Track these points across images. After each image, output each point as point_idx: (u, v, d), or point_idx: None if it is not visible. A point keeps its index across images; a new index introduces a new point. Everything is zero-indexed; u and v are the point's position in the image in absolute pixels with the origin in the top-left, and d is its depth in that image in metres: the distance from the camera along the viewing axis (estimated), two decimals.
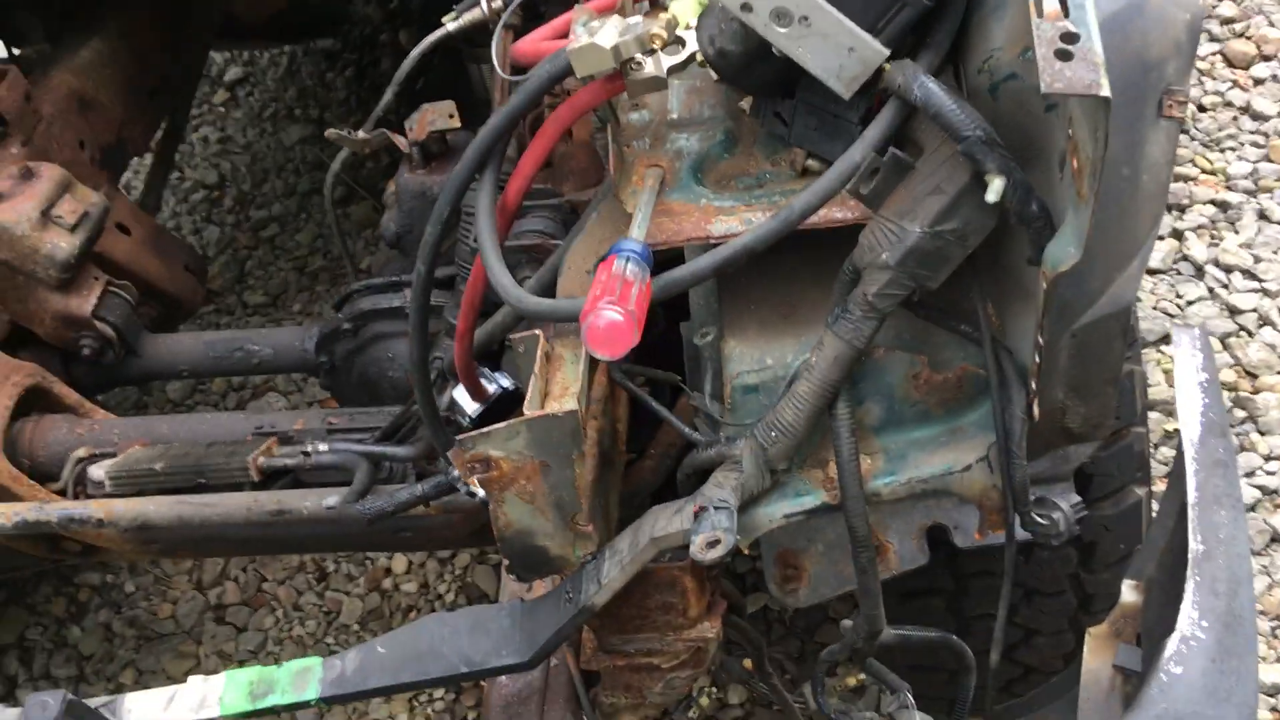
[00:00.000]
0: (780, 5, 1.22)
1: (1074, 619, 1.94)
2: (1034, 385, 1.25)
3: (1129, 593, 1.53)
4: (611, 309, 1.08)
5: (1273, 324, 3.09)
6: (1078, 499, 1.35)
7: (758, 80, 1.35)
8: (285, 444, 2.10)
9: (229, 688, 1.38)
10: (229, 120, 4.27)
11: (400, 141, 2.17)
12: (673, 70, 1.35)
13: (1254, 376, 3.01)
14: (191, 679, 1.41)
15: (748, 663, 1.75)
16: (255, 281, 3.70)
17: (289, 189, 3.97)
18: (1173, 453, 2.74)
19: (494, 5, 2.03)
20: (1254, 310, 3.13)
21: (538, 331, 1.33)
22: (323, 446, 2.04)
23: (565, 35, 1.51)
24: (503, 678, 1.48)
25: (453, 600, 2.87)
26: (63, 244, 2.28)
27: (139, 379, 2.54)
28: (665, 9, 1.45)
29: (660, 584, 1.38)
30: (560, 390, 1.29)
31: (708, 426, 1.46)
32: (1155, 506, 1.96)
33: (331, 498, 1.97)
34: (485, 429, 1.25)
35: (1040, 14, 1.05)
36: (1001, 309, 1.32)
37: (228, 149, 4.16)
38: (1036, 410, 1.26)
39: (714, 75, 1.40)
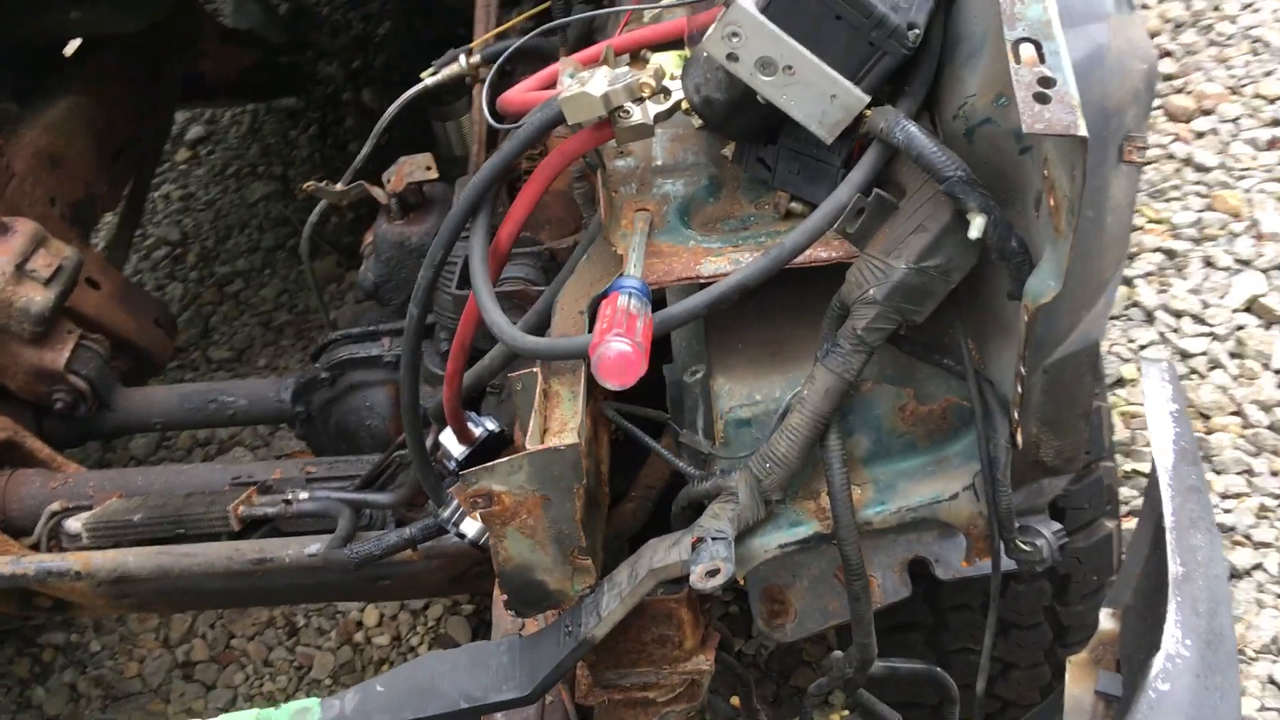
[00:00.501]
0: (765, 55, 1.28)
1: (1050, 651, 1.99)
2: (1016, 415, 1.30)
3: (1107, 621, 1.57)
4: (620, 340, 1.11)
5: (1223, 366, 3.18)
6: (1059, 526, 1.39)
7: (741, 127, 1.40)
8: (264, 493, 2.11)
9: None
10: (191, 178, 4.29)
11: (378, 193, 2.21)
12: (659, 118, 1.40)
13: (1207, 418, 3.10)
14: None
15: (735, 700, 1.77)
16: (220, 337, 3.70)
17: (253, 245, 3.98)
18: (1132, 493, 2.82)
19: (472, 61, 2.08)
20: (1204, 354, 3.23)
21: (536, 370, 1.36)
22: (303, 494, 2.06)
23: (551, 86, 1.57)
24: (498, 716, 1.49)
25: (426, 652, 2.86)
26: (37, 297, 2.28)
27: (112, 432, 2.53)
28: (647, 61, 1.51)
29: (657, 616, 1.41)
30: (559, 426, 1.32)
31: (694, 463, 1.49)
32: (1126, 542, 2.02)
33: (313, 545, 1.98)
34: (488, 464, 1.27)
35: (1018, 60, 1.11)
36: (981, 344, 1.37)
37: (190, 206, 4.17)
38: (1020, 438, 1.30)
39: (696, 123, 1.45)
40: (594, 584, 1.37)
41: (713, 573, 1.24)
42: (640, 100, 1.38)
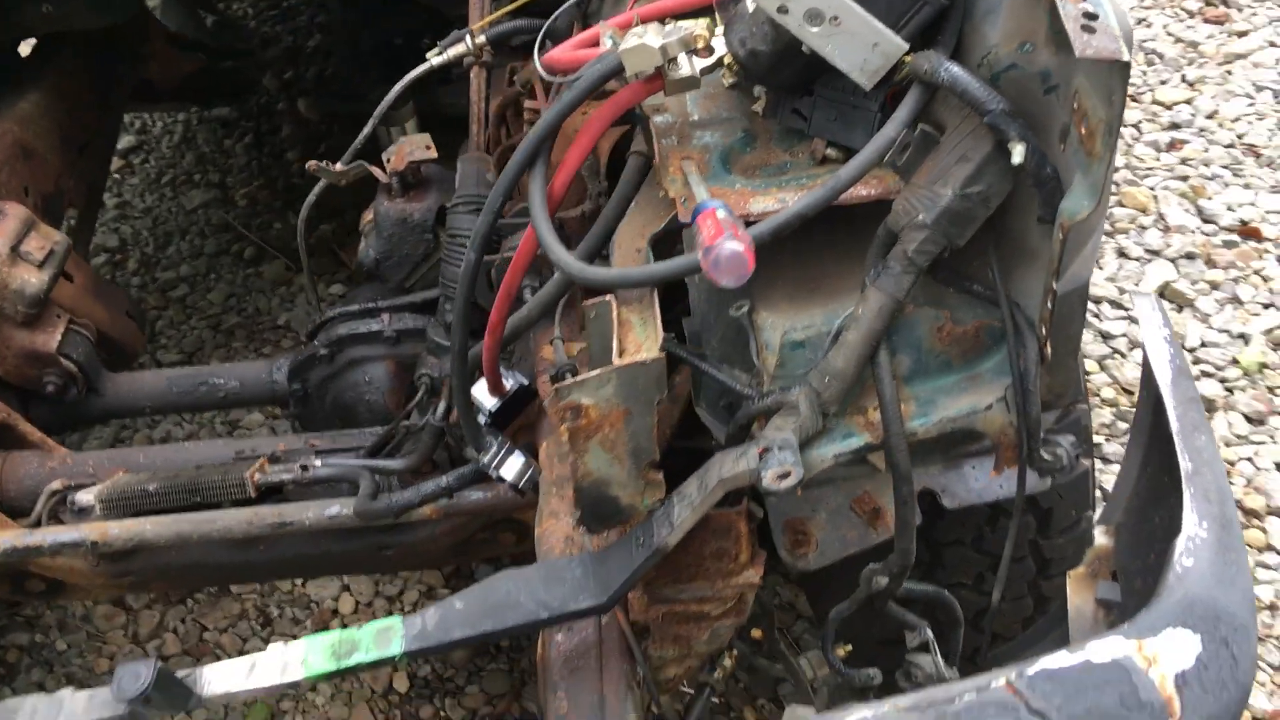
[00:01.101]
0: (813, 7, 1.40)
1: (1033, 584, 2.13)
2: (1044, 331, 1.44)
3: (1101, 537, 1.73)
4: (732, 241, 1.22)
5: (1142, 346, 3.41)
6: (1073, 437, 1.53)
7: (783, 79, 1.52)
8: (276, 463, 2.15)
9: (311, 651, 1.43)
10: (125, 186, 4.25)
11: (378, 173, 2.28)
12: (705, 71, 1.52)
13: (1131, 393, 3.32)
14: (271, 646, 1.45)
15: (756, 633, 1.87)
16: (168, 340, 3.68)
17: (195, 251, 3.97)
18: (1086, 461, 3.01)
19: (478, 41, 2.18)
20: (1124, 335, 3.46)
21: (610, 298, 1.46)
22: (318, 462, 2.10)
23: (593, 45, 1.67)
24: (558, 636, 1.56)
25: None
26: (32, 279, 2.29)
27: (100, 417, 2.53)
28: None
29: (717, 530, 1.50)
30: (635, 348, 1.42)
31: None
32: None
33: (333, 507, 2.03)
34: (580, 378, 1.36)
35: None
36: (1005, 270, 1.51)
37: (126, 214, 4.14)
38: (1049, 352, 1.44)
39: (726, 82, 1.58)
40: (663, 498, 1.47)
41: (783, 475, 1.35)
42: (692, 53, 1.49)
